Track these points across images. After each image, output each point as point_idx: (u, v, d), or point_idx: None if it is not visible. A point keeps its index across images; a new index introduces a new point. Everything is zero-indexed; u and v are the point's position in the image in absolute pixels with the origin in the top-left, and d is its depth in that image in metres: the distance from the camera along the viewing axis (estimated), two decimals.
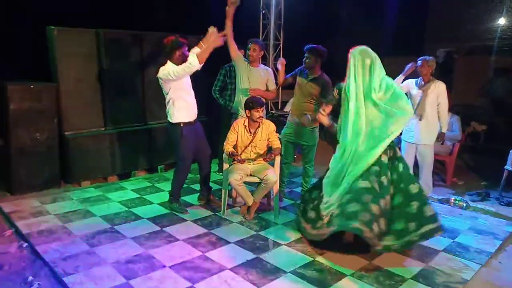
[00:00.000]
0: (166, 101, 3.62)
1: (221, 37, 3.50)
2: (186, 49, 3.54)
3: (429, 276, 2.78)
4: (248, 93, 3.97)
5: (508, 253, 3.18)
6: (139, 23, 4.95)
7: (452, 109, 4.94)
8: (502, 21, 8.30)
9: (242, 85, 4.11)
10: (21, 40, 4.51)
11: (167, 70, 3.45)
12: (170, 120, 3.64)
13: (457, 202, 4.19)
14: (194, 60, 3.38)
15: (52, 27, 4.19)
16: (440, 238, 3.36)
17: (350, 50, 3.01)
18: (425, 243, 3.25)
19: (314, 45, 3.77)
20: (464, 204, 4.14)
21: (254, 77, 4.07)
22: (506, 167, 4.45)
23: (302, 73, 3.86)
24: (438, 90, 4.13)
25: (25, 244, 3.11)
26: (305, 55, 3.76)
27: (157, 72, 3.54)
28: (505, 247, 3.27)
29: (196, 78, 3.81)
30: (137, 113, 4.93)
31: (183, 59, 3.48)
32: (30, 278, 2.65)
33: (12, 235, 3.29)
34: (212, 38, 3.48)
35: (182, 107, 3.59)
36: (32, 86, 4.11)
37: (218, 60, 4.70)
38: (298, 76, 3.89)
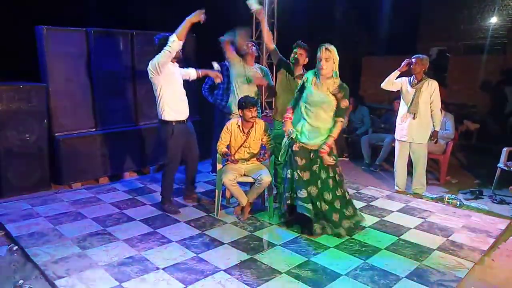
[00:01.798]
0: (157, 99, 3.58)
1: (201, 14, 3.34)
2: None
3: (423, 274, 2.78)
4: (249, 84, 4.00)
5: (501, 251, 3.20)
6: (130, 22, 4.90)
7: (445, 107, 4.97)
8: (494, 20, 8.38)
9: (238, 83, 4.08)
10: (10, 39, 4.43)
11: (153, 60, 3.43)
12: (161, 118, 3.60)
13: (450, 200, 4.20)
14: (172, 38, 3.30)
15: (41, 26, 4.13)
16: (434, 236, 3.38)
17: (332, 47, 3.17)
18: (419, 241, 3.27)
19: (304, 43, 3.76)
20: (458, 203, 4.15)
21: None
22: (499, 165, 4.47)
23: (289, 69, 3.83)
24: (431, 88, 4.14)
25: (15, 247, 3.06)
26: (296, 50, 3.74)
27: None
28: (498, 245, 3.29)
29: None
30: (128, 114, 4.88)
31: (176, 56, 3.51)
32: (21, 281, 2.61)
33: (1, 238, 3.23)
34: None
35: (173, 105, 3.56)
36: (21, 86, 4.05)
37: (209, 60, 4.67)
38: (285, 71, 3.85)
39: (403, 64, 4.22)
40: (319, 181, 3.25)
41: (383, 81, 4.36)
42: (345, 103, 3.20)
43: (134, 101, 4.91)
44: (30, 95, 4.08)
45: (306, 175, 3.25)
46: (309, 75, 3.30)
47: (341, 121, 3.22)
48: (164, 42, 3.44)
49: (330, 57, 3.11)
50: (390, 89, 4.38)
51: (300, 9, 7.32)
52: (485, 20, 8.40)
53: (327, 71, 3.13)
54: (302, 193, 3.22)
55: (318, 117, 3.23)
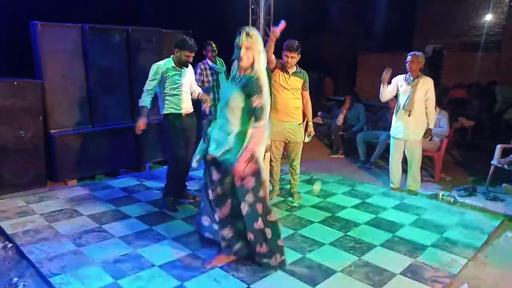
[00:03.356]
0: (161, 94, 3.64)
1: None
2: (190, 54, 3.63)
3: (417, 271, 2.80)
4: None
5: (494, 248, 3.23)
6: (126, 18, 4.87)
7: (440, 104, 5.00)
8: (488, 17, 8.41)
9: None
10: (4, 35, 4.40)
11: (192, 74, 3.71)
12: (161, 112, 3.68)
13: (445, 197, 4.23)
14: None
15: (36, 22, 4.10)
16: (428, 233, 3.41)
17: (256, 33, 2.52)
18: (414, 238, 3.29)
19: (296, 42, 3.72)
20: (452, 200, 4.18)
21: None
22: (492, 162, 4.51)
23: (284, 69, 3.81)
24: (426, 85, 4.16)
25: (10, 245, 3.05)
26: (287, 54, 3.68)
27: (156, 61, 3.67)
28: (491, 242, 3.32)
29: None
30: (124, 111, 4.86)
31: (180, 61, 3.62)
32: (15, 279, 2.60)
33: None
34: None
35: (171, 100, 3.67)
36: (15, 83, 4.02)
37: (204, 56, 4.65)
38: (280, 71, 3.82)
39: (383, 75, 4.24)
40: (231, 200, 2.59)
41: (379, 78, 4.37)
42: (256, 100, 2.41)
43: (130, 98, 4.89)
44: (25, 91, 4.06)
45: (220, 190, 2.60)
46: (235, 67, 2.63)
47: (256, 126, 2.43)
48: (177, 45, 3.59)
49: (251, 45, 2.46)
50: (391, 97, 4.41)
51: (297, 5, 7.30)
52: (481, 17, 8.44)
53: (247, 62, 2.47)
54: (216, 217, 2.62)
55: (225, 118, 2.52)
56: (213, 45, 4.70)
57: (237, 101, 2.47)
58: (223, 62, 4.81)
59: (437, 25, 8.77)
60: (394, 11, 8.50)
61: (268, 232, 2.60)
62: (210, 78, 4.63)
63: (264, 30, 6.80)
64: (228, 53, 4.33)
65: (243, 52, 2.47)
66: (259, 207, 2.54)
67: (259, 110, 2.43)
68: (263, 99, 2.44)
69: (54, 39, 4.20)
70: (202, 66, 4.69)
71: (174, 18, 5.54)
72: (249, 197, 2.52)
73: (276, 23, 3.39)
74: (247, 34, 2.47)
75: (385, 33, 8.73)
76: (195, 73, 4.56)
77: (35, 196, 4.00)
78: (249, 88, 2.43)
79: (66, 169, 4.39)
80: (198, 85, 4.68)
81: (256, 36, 2.49)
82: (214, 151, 2.56)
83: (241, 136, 2.48)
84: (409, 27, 9.24)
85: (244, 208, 2.54)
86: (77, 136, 4.45)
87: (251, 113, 2.46)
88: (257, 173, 2.51)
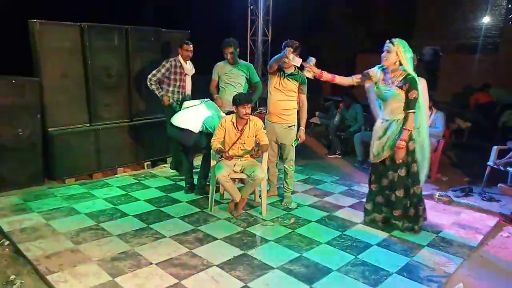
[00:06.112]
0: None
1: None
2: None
3: (413, 270, 2.82)
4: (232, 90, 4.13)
5: (489, 247, 3.25)
6: (125, 17, 4.88)
7: (436, 105, 5.02)
8: (486, 19, 8.44)
9: (222, 83, 4.31)
10: (3, 33, 4.40)
11: None
12: None
13: (441, 197, 4.25)
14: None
15: (35, 20, 4.09)
16: (424, 233, 3.43)
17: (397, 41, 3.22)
18: (410, 238, 3.31)
19: (294, 41, 3.65)
20: (448, 200, 4.20)
21: (233, 74, 4.24)
22: (488, 163, 4.54)
23: (281, 69, 3.74)
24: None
25: (7, 242, 3.05)
26: (286, 52, 3.60)
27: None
28: (487, 241, 3.35)
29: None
30: (122, 109, 4.87)
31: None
32: (13, 277, 2.61)
33: None
34: None
35: None
36: (14, 81, 4.01)
37: (203, 55, 4.61)
38: (278, 72, 3.75)
39: None
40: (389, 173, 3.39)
41: None
42: (413, 93, 3.15)
43: (129, 97, 4.90)
44: (24, 89, 4.05)
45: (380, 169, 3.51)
46: (377, 71, 3.36)
47: (409, 112, 3.19)
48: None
49: (391, 49, 3.20)
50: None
51: (296, 6, 7.33)
52: (478, 19, 8.47)
53: (386, 62, 3.24)
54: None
55: (389, 110, 3.30)
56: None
57: (399, 96, 3.19)
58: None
59: (435, 26, 8.80)
60: (392, 12, 8.53)
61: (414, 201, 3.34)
62: (178, 77, 4.45)
63: (263, 31, 6.82)
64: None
65: (384, 53, 3.23)
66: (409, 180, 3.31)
67: (413, 101, 3.16)
68: (418, 93, 3.17)
69: (53, 37, 4.20)
70: (173, 63, 4.41)
71: (173, 18, 5.55)
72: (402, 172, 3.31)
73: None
74: (390, 41, 3.23)
75: (384, 34, 8.76)
76: (163, 66, 4.36)
77: (33, 194, 3.99)
78: (409, 85, 3.16)
79: (64, 167, 4.39)
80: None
81: (398, 43, 3.20)
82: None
83: (402, 122, 3.22)
84: (407, 28, 9.27)
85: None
86: (75, 135, 4.45)
87: (407, 103, 3.18)
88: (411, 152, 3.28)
